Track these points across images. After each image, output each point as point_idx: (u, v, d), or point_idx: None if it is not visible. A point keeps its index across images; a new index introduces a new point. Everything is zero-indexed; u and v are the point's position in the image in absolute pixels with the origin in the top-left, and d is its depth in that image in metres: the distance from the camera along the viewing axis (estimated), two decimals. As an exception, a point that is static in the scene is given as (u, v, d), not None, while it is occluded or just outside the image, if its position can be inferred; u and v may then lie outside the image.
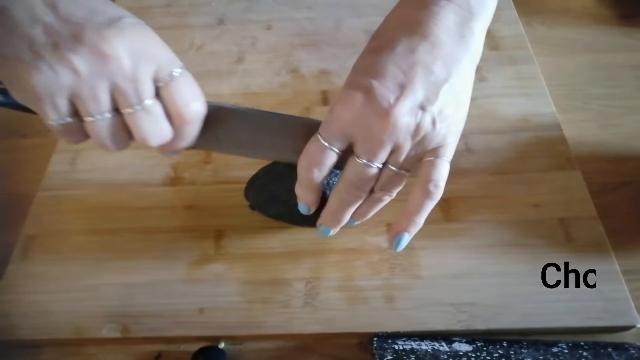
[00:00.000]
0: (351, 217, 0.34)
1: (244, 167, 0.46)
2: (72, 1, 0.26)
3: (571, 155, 0.45)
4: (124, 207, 0.44)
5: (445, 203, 0.42)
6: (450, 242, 0.40)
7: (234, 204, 0.43)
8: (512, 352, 0.35)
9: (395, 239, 0.32)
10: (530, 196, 0.42)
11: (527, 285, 0.37)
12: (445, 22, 0.29)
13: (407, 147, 0.30)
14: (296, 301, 0.38)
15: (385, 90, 0.28)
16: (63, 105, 0.27)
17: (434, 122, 0.29)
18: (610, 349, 0.35)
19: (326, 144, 0.30)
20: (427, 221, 0.39)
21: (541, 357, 0.35)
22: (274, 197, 0.38)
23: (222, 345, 0.37)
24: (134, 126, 0.29)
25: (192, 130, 0.31)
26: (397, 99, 0.28)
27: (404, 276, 0.39)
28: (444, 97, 0.29)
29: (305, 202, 0.33)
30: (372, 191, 0.32)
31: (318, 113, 0.50)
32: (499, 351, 0.35)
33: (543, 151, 0.45)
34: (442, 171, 0.30)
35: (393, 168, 0.31)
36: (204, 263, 0.40)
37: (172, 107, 0.29)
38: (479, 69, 0.51)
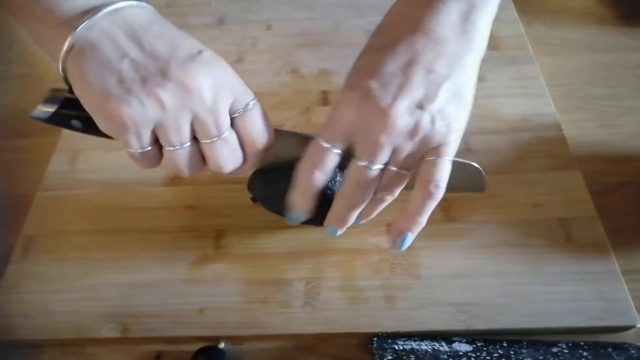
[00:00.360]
0: (361, 215, 0.34)
1: (244, 167, 0.46)
2: (155, 36, 0.27)
3: (571, 156, 0.45)
4: (124, 207, 0.44)
5: (445, 203, 0.42)
6: (450, 242, 0.40)
7: (234, 204, 0.43)
8: (512, 352, 0.35)
9: (399, 238, 0.32)
10: (530, 196, 0.42)
11: (527, 285, 0.37)
12: (447, 18, 0.29)
13: (406, 147, 0.30)
14: (296, 301, 0.38)
15: (383, 91, 0.28)
16: (147, 136, 0.28)
17: (433, 121, 0.29)
18: (610, 349, 0.35)
19: (327, 145, 0.30)
20: (427, 221, 0.39)
21: (541, 357, 0.35)
22: (282, 194, 0.38)
23: (222, 345, 0.37)
24: (210, 155, 0.30)
25: (261, 156, 0.33)
26: (395, 99, 0.28)
27: (404, 276, 0.39)
28: (444, 95, 0.29)
29: (301, 209, 0.33)
30: (375, 191, 0.32)
31: (318, 113, 0.50)
32: (499, 351, 0.35)
33: (543, 151, 0.45)
34: (443, 171, 0.30)
35: (394, 169, 0.31)
36: (204, 263, 0.40)
37: (246, 137, 0.31)
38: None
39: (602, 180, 0.44)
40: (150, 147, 0.29)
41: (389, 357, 0.35)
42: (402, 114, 0.28)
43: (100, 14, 0.27)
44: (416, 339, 0.36)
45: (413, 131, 0.29)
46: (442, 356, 0.35)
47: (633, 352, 0.35)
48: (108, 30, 0.27)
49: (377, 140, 0.29)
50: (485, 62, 0.51)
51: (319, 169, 0.31)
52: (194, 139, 0.30)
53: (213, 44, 0.57)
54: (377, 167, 0.30)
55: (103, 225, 0.43)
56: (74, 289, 0.39)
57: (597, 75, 0.52)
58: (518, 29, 0.56)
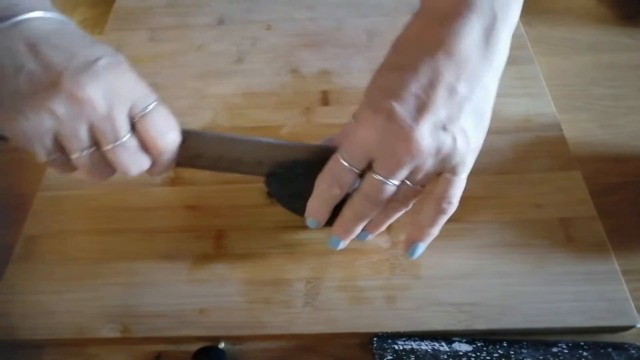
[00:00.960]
0: (366, 229, 0.35)
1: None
2: (53, 46, 0.28)
3: (572, 156, 0.45)
4: (124, 207, 0.44)
5: (445, 203, 0.42)
6: (451, 242, 0.40)
7: (235, 204, 0.43)
8: (512, 352, 0.35)
9: (410, 248, 0.34)
10: (531, 196, 0.42)
11: (528, 286, 0.37)
12: (469, 37, 0.28)
13: (427, 166, 0.30)
14: (297, 301, 0.38)
15: (407, 113, 0.28)
16: (49, 144, 0.29)
17: (454, 141, 0.29)
18: (610, 349, 0.35)
19: (347, 165, 0.31)
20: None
21: (541, 357, 0.35)
22: (301, 193, 0.37)
23: (222, 345, 0.37)
24: (113, 160, 0.31)
25: (168, 158, 0.33)
26: (418, 122, 0.28)
27: (405, 276, 0.39)
28: (465, 115, 0.29)
29: (317, 218, 0.35)
30: (387, 207, 0.33)
31: (318, 113, 0.50)
32: (499, 351, 0.35)
33: (544, 151, 0.45)
34: (458, 188, 0.31)
35: (410, 184, 0.31)
36: (205, 263, 0.40)
37: (147, 139, 0.31)
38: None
39: (602, 180, 0.44)
40: (56, 155, 0.30)
41: (389, 357, 0.35)
42: (425, 137, 0.28)
43: (0, 25, 0.27)
44: (416, 339, 0.36)
45: (436, 152, 0.29)
46: (442, 356, 0.35)
47: (633, 352, 0.35)
48: (8, 43, 0.27)
49: (400, 160, 0.29)
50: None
51: (338, 185, 0.32)
52: (98, 146, 0.30)
53: (213, 44, 0.57)
54: (394, 182, 0.30)
55: (103, 225, 0.43)
56: (74, 289, 0.39)
57: (597, 76, 0.52)
58: (518, 29, 0.56)
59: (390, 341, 0.36)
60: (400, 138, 0.28)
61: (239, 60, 0.55)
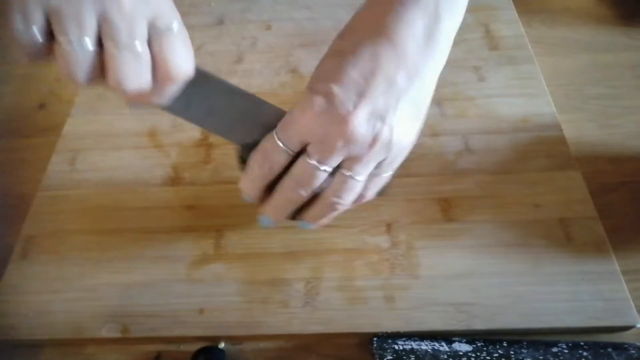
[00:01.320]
0: (305, 219, 0.34)
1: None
2: None
3: (571, 155, 0.45)
4: (123, 207, 0.44)
5: (445, 203, 0.42)
6: (450, 242, 0.40)
7: (234, 204, 0.43)
8: (512, 352, 0.35)
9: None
10: (530, 196, 0.42)
11: (527, 285, 0.37)
12: (411, 28, 0.28)
13: (362, 155, 0.29)
14: (296, 301, 0.38)
15: (345, 97, 0.28)
16: (37, 18, 0.24)
17: (391, 132, 0.29)
18: (610, 349, 0.35)
19: (282, 145, 0.30)
20: (427, 221, 0.39)
21: (541, 357, 0.35)
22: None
23: (222, 345, 0.37)
24: (113, 65, 0.26)
25: (173, 89, 0.29)
26: (356, 107, 0.28)
27: (404, 276, 0.39)
28: (402, 108, 0.29)
29: (250, 195, 0.34)
30: (323, 196, 0.32)
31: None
32: (499, 351, 0.35)
33: (543, 151, 0.45)
34: (379, 186, 0.31)
35: (346, 173, 0.30)
36: (204, 263, 0.40)
37: (161, 60, 0.27)
38: (478, 69, 0.52)
39: (602, 180, 0.44)
40: (37, 34, 0.24)
41: (389, 357, 0.35)
42: (361, 123, 0.28)
43: None
44: (416, 339, 0.36)
45: (371, 142, 0.29)
46: (442, 356, 0.35)
47: (633, 352, 0.35)
48: None
49: (333, 144, 0.29)
50: (485, 62, 0.52)
51: (268, 165, 0.31)
52: (98, 43, 0.25)
53: (212, 43, 0.57)
54: (325, 168, 0.30)
55: (103, 225, 0.43)
56: (73, 288, 0.39)
57: (597, 75, 0.52)
58: (518, 29, 0.56)
59: (390, 341, 0.36)
60: (337, 121, 0.28)
61: (238, 60, 0.55)
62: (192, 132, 0.49)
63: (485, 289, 0.37)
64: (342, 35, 0.31)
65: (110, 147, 0.48)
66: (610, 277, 0.37)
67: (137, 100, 0.28)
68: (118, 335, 0.37)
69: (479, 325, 0.36)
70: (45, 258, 0.41)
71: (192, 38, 0.58)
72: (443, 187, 0.43)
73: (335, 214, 0.34)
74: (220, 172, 0.46)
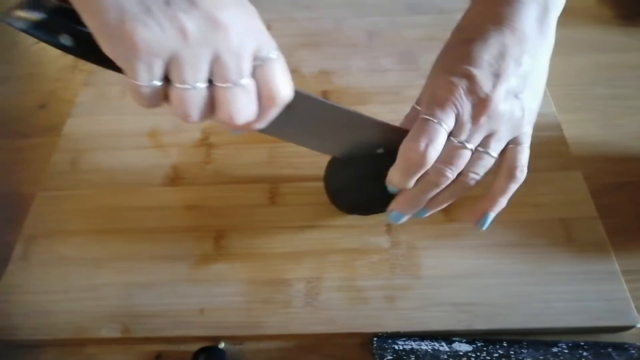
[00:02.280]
0: (431, 204, 0.35)
1: (245, 167, 0.46)
2: None
3: (572, 156, 0.45)
4: (124, 207, 0.44)
5: (445, 203, 0.42)
6: (450, 242, 0.40)
7: (234, 204, 0.43)
8: (512, 352, 0.35)
9: (481, 218, 0.34)
10: (531, 196, 0.42)
11: (527, 285, 0.37)
12: (528, 18, 0.31)
13: (501, 131, 0.32)
14: (297, 301, 0.38)
15: (484, 77, 0.30)
16: (158, 67, 0.25)
17: (523, 109, 0.31)
18: (610, 349, 0.35)
19: (437, 122, 0.31)
20: (427, 221, 0.39)
21: (541, 357, 0.35)
22: (364, 182, 0.37)
23: (222, 345, 0.37)
24: (225, 101, 0.27)
25: (275, 113, 0.30)
26: (495, 86, 0.30)
27: (405, 276, 0.39)
28: (529, 87, 0.32)
29: (402, 185, 0.33)
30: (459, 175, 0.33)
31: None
32: (499, 351, 0.35)
33: (544, 151, 0.45)
34: (526, 156, 0.33)
35: (483, 150, 0.32)
36: (205, 263, 0.40)
37: (265, 88, 0.28)
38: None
39: (602, 180, 0.44)
40: (159, 82, 0.26)
41: (389, 357, 0.35)
42: (501, 100, 0.30)
43: None
44: (416, 339, 0.36)
45: (509, 118, 0.31)
46: (442, 356, 0.35)
47: (633, 352, 0.35)
48: None
49: (478, 121, 0.31)
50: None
51: (433, 146, 0.31)
52: (210, 82, 0.27)
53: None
54: (470, 146, 0.31)
55: (103, 225, 0.43)
56: (74, 289, 0.39)
57: (597, 76, 0.52)
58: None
59: (390, 341, 0.36)
60: (480, 99, 0.30)
61: (238, 60, 0.55)
62: (192, 132, 0.49)
63: (486, 289, 0.37)
64: (462, 28, 0.34)
65: (111, 147, 0.48)
66: (611, 277, 0.37)
67: (242, 128, 0.30)
68: (119, 335, 0.37)
69: (479, 325, 0.36)
70: (45, 258, 0.41)
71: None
72: (443, 187, 0.43)
73: (464, 191, 0.34)
74: (220, 172, 0.46)
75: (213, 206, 0.44)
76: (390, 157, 0.33)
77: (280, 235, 0.41)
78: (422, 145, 0.31)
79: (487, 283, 0.38)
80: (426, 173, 0.32)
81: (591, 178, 0.43)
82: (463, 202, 0.42)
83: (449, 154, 0.32)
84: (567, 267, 0.38)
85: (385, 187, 0.34)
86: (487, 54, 0.31)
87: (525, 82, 0.31)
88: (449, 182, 0.33)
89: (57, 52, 0.59)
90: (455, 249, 0.40)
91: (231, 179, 0.45)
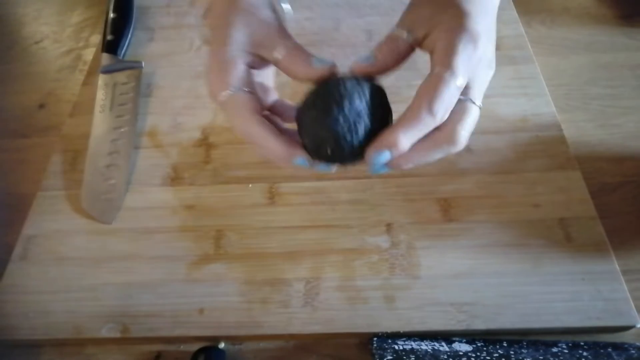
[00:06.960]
0: (392, 162, 0.30)
1: (244, 167, 0.46)
2: None
3: (571, 155, 0.45)
4: (124, 206, 0.44)
5: (445, 203, 0.42)
6: (450, 242, 0.40)
7: (234, 204, 0.43)
8: (512, 352, 0.35)
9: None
10: (529, 196, 0.42)
11: (527, 285, 0.37)
12: None
13: (477, 77, 0.33)
14: (296, 301, 0.38)
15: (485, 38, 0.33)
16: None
17: (490, 63, 0.34)
18: (610, 349, 0.35)
19: (458, 88, 0.30)
20: (426, 221, 0.39)
21: (541, 357, 0.35)
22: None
23: (221, 345, 0.37)
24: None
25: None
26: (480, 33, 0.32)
27: (404, 276, 0.39)
28: (492, 31, 0.35)
29: (406, 149, 0.30)
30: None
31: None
32: (499, 351, 0.35)
33: (543, 151, 0.45)
34: (474, 120, 0.32)
35: (463, 98, 0.31)
36: (204, 263, 0.40)
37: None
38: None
39: (601, 180, 0.44)
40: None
41: (389, 357, 0.35)
42: (485, 43, 0.33)
43: None
44: (416, 339, 0.36)
45: (487, 66, 0.34)
46: (442, 356, 0.35)
47: (633, 352, 0.35)
48: None
49: (484, 76, 0.34)
50: (484, 62, 0.52)
51: (446, 112, 0.29)
52: None
53: (213, 44, 0.57)
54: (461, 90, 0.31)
55: (103, 225, 0.43)
56: (73, 289, 0.39)
57: (596, 75, 0.52)
58: (517, 29, 0.56)
59: (390, 341, 0.36)
60: (474, 41, 0.32)
61: (238, 60, 0.55)
62: (191, 132, 0.49)
63: (485, 289, 0.37)
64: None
65: (110, 147, 0.48)
66: (610, 277, 0.37)
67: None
68: (118, 335, 0.37)
69: (479, 325, 0.36)
70: (45, 258, 0.41)
71: (192, 38, 0.58)
72: (443, 187, 0.43)
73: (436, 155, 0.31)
74: (220, 172, 0.46)
75: (212, 206, 0.44)
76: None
77: (279, 235, 0.41)
78: (441, 111, 0.29)
79: (486, 283, 0.38)
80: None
81: (590, 178, 0.43)
82: (462, 201, 0.42)
83: (448, 95, 0.29)
84: (566, 266, 0.38)
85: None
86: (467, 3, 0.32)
87: (491, 27, 0.35)
88: (436, 123, 0.29)
89: (56, 52, 0.60)
90: (454, 249, 0.40)
91: (230, 179, 0.45)
